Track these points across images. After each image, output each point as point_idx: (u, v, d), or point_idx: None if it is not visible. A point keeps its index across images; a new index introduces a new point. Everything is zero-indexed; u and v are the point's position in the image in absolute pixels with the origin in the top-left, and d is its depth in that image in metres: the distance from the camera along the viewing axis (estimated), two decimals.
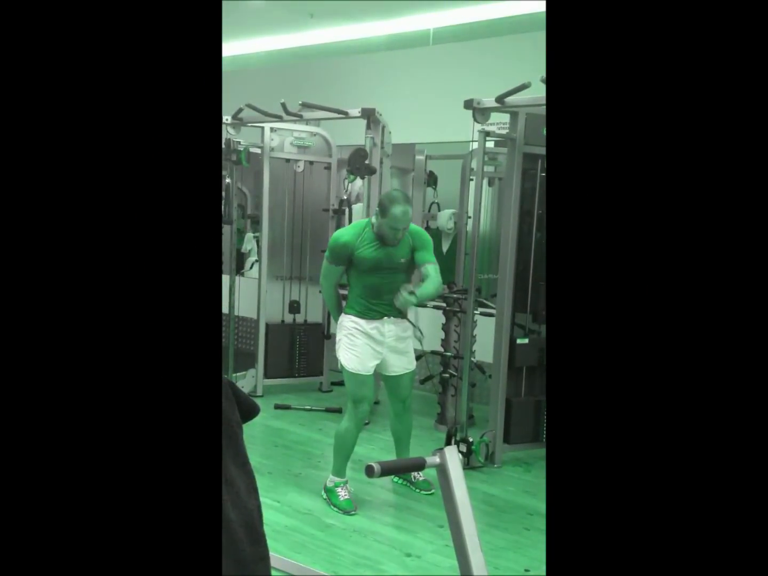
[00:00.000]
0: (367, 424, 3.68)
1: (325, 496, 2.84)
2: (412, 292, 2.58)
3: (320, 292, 3.24)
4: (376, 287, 2.73)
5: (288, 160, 4.31)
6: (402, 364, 2.83)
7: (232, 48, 5.32)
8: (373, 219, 2.75)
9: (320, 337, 4.41)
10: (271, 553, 1.97)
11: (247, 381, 4.29)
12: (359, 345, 2.75)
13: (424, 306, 4.01)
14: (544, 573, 2.32)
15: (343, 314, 2.83)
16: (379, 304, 2.74)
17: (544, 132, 3.24)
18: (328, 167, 4.39)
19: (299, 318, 4.43)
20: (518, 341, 3.32)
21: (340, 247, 2.74)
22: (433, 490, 2.94)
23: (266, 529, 0.83)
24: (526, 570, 2.36)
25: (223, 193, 4.02)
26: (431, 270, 2.71)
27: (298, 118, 4.10)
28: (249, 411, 0.85)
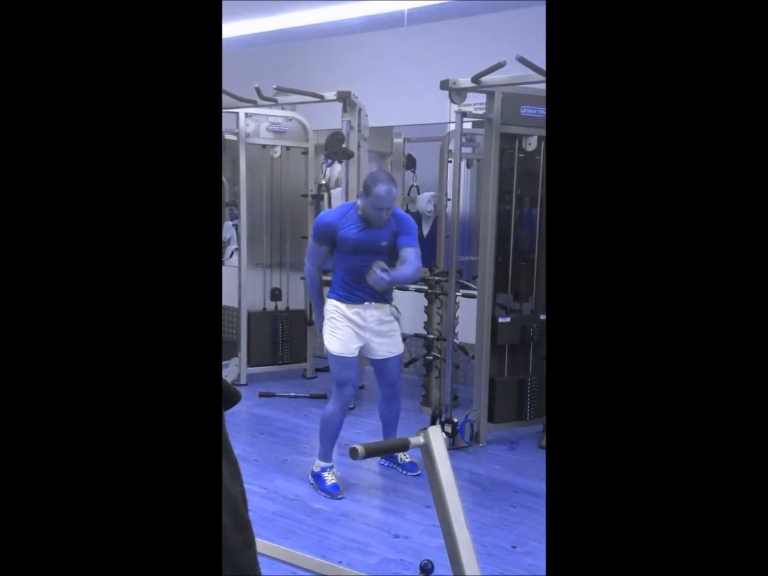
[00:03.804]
0: (352, 408, 3.69)
1: (312, 481, 2.84)
2: (384, 269, 2.58)
3: (302, 278, 3.23)
4: (357, 270, 2.72)
5: (264, 146, 4.26)
6: (387, 348, 2.83)
7: None
8: (359, 201, 2.74)
9: (303, 323, 4.39)
10: (260, 540, 1.97)
11: (230, 370, 4.27)
12: (341, 328, 2.76)
13: (406, 289, 4.02)
14: (530, 550, 2.36)
15: (326, 299, 2.83)
16: (359, 288, 2.74)
17: (522, 111, 3.24)
18: (305, 152, 4.35)
19: (281, 305, 4.40)
20: (500, 320, 3.34)
21: (324, 226, 2.75)
22: (419, 472, 2.96)
23: (254, 516, 0.82)
24: (513, 547, 2.39)
25: None
26: (411, 254, 2.68)
27: (273, 102, 4.05)
28: (229, 398, 0.83)
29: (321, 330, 2.89)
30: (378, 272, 2.56)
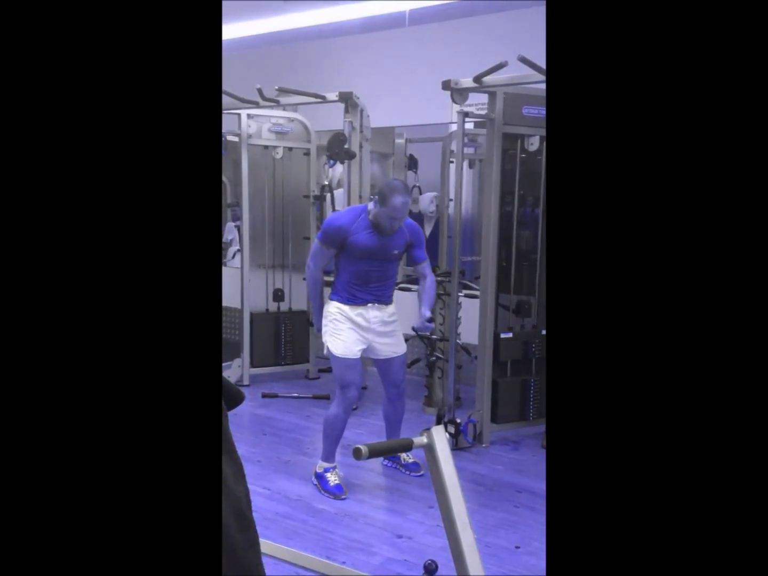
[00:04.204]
0: (355, 408, 3.69)
1: (315, 482, 2.84)
2: (427, 317, 2.71)
3: (304, 279, 3.23)
4: (365, 275, 2.74)
5: (266, 147, 4.27)
6: (391, 348, 2.84)
7: None
8: (370, 206, 2.73)
9: (305, 324, 4.39)
10: (264, 540, 1.96)
11: (233, 371, 4.28)
12: (344, 330, 2.76)
13: (408, 289, 4.02)
14: (534, 550, 2.36)
15: (328, 300, 2.83)
16: (363, 291, 2.75)
17: (523, 111, 3.24)
18: (307, 153, 4.35)
19: (283, 306, 4.41)
20: (502, 336, 3.33)
21: (334, 230, 2.73)
22: (422, 472, 2.96)
23: (257, 516, 0.82)
24: (517, 547, 2.39)
25: None
26: (427, 268, 2.88)
27: (275, 103, 4.05)
28: (233, 399, 0.84)
29: (319, 330, 2.90)
30: (424, 324, 2.71)
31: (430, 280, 2.86)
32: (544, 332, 3.40)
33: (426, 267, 2.89)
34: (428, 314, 2.72)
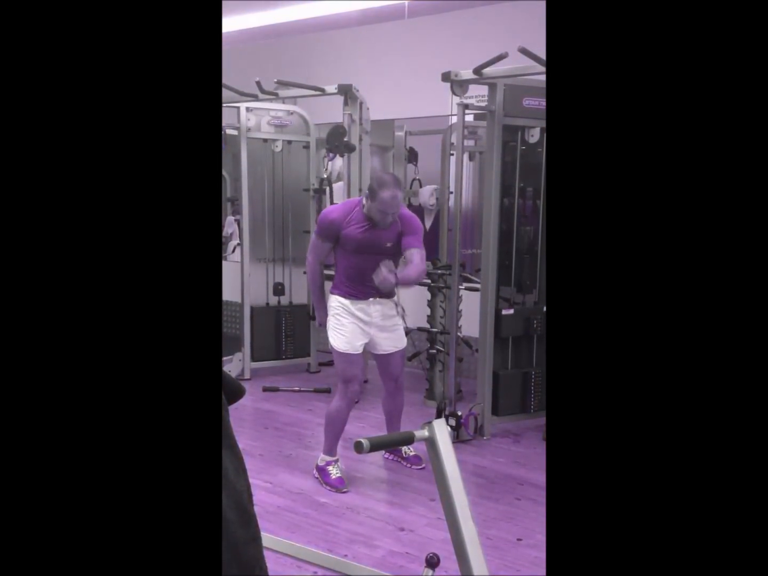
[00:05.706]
0: (356, 402, 3.69)
1: (316, 475, 2.85)
2: (391, 270, 2.51)
3: (304, 273, 3.22)
4: (361, 269, 2.72)
5: (266, 140, 4.25)
6: (391, 342, 2.84)
7: None
8: (364, 200, 2.73)
9: (306, 318, 4.39)
10: (266, 534, 1.97)
11: (234, 365, 4.28)
12: (346, 325, 2.76)
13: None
14: (536, 542, 2.36)
15: (329, 294, 2.83)
16: (363, 285, 2.74)
17: (524, 102, 3.22)
18: (306, 146, 4.34)
19: (284, 300, 4.40)
20: (503, 312, 3.34)
21: (328, 223, 2.74)
22: (423, 465, 2.97)
23: (259, 510, 0.82)
24: (519, 539, 2.39)
25: None
26: (416, 255, 2.66)
27: (274, 96, 4.04)
28: (234, 393, 0.83)
29: (320, 324, 2.90)
30: (385, 273, 2.48)
31: (416, 263, 2.62)
32: (545, 309, 3.40)
33: (415, 254, 2.63)
34: (392, 277, 2.45)
